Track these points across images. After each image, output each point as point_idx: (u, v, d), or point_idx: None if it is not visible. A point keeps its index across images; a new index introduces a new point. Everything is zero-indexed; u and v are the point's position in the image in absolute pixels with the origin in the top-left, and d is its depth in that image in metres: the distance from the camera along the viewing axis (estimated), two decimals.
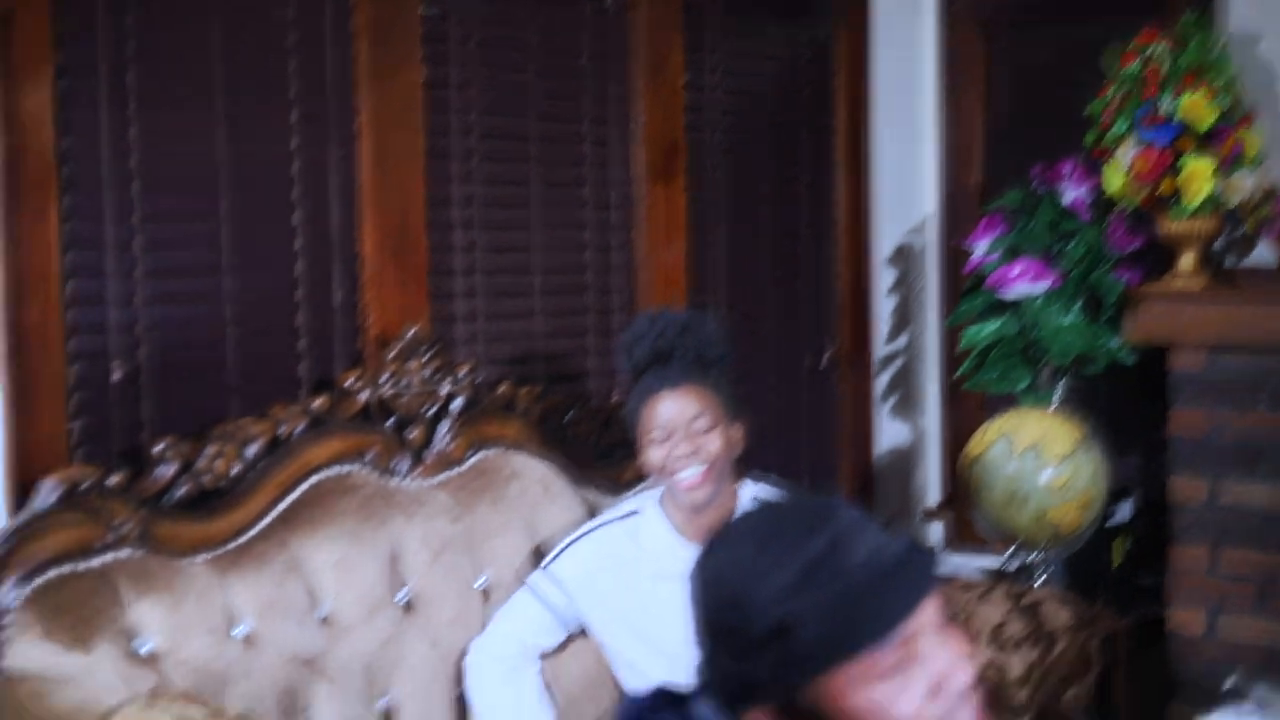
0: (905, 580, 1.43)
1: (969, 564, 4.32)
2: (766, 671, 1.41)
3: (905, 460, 4.69)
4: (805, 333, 4.41)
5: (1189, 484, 3.87)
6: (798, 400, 4.38)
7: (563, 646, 3.05)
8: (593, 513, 3.26)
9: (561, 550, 3.03)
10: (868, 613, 1.40)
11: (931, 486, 4.69)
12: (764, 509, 1.50)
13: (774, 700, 1.44)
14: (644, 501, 3.02)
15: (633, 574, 2.98)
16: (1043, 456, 3.74)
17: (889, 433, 4.66)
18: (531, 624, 2.99)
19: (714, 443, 2.87)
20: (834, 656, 1.40)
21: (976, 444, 3.85)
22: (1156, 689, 3.76)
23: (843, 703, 1.41)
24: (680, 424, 2.87)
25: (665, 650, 2.86)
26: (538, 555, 3.12)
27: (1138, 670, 3.66)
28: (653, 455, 2.89)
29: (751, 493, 3.04)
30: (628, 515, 3.03)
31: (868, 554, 1.42)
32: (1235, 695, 2.25)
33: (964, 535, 4.45)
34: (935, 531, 4.69)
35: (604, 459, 3.43)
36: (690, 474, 2.88)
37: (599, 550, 3.00)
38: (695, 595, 1.48)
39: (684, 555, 2.89)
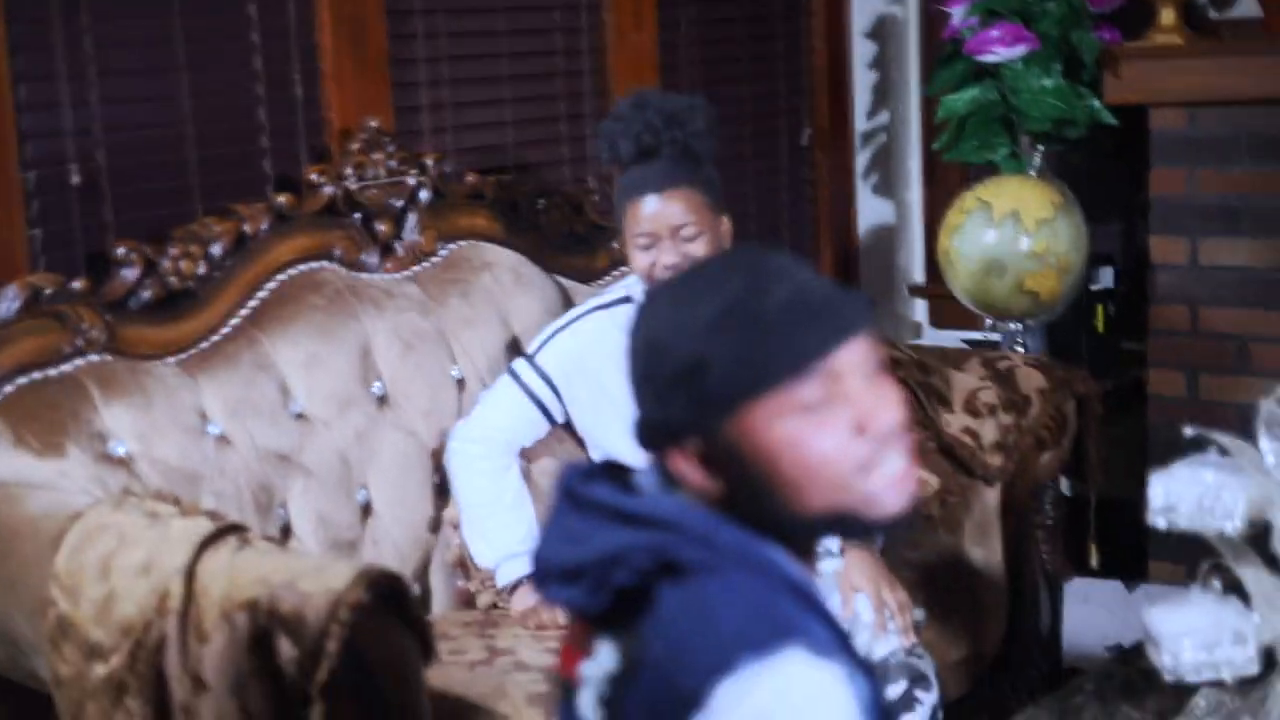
0: (827, 317, 1.40)
1: (952, 339, 4.32)
2: (683, 410, 1.40)
3: (888, 238, 4.66)
4: (782, 111, 4.34)
5: (1168, 244, 3.87)
6: (777, 181, 4.33)
7: (545, 439, 3.02)
8: (568, 301, 3.25)
9: (546, 339, 2.97)
10: (783, 344, 1.38)
11: (915, 264, 4.67)
12: (689, 270, 1.49)
13: (694, 439, 1.42)
14: (635, 288, 2.96)
15: (619, 364, 2.93)
16: (1021, 223, 3.71)
17: (870, 210, 4.62)
18: (514, 414, 2.94)
19: (700, 251, 2.77)
20: (748, 389, 1.39)
21: (954, 214, 3.81)
22: (1136, 454, 3.79)
23: (760, 438, 1.39)
24: (666, 231, 2.77)
25: None
26: (514, 346, 3.12)
27: (1117, 436, 3.68)
28: (639, 260, 2.81)
29: None
30: (617, 302, 2.95)
31: (790, 292, 1.41)
32: (1198, 445, 2.25)
33: (948, 313, 4.44)
34: (920, 310, 4.69)
35: (578, 246, 3.40)
36: (667, 270, 2.84)
37: (584, 339, 2.95)
38: (626, 349, 1.48)
39: None
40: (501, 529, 2.85)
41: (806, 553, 1.49)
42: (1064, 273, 3.74)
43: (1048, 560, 3.33)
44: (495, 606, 2.88)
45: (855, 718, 1.35)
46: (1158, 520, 2.25)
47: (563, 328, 2.97)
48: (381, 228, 3.07)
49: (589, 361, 2.91)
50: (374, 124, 3.09)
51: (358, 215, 3.05)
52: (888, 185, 4.63)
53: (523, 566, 2.80)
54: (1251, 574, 2.23)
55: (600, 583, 1.42)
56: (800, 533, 1.45)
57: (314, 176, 3.01)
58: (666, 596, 1.40)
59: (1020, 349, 3.86)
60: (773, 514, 1.43)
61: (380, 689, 2.16)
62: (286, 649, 2.07)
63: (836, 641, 1.39)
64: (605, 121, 2.89)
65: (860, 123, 4.56)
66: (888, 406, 1.42)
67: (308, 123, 3.13)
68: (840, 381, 1.40)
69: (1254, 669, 2.24)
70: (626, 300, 2.94)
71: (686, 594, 1.39)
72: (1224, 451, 2.26)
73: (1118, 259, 4.22)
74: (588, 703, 1.47)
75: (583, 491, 1.48)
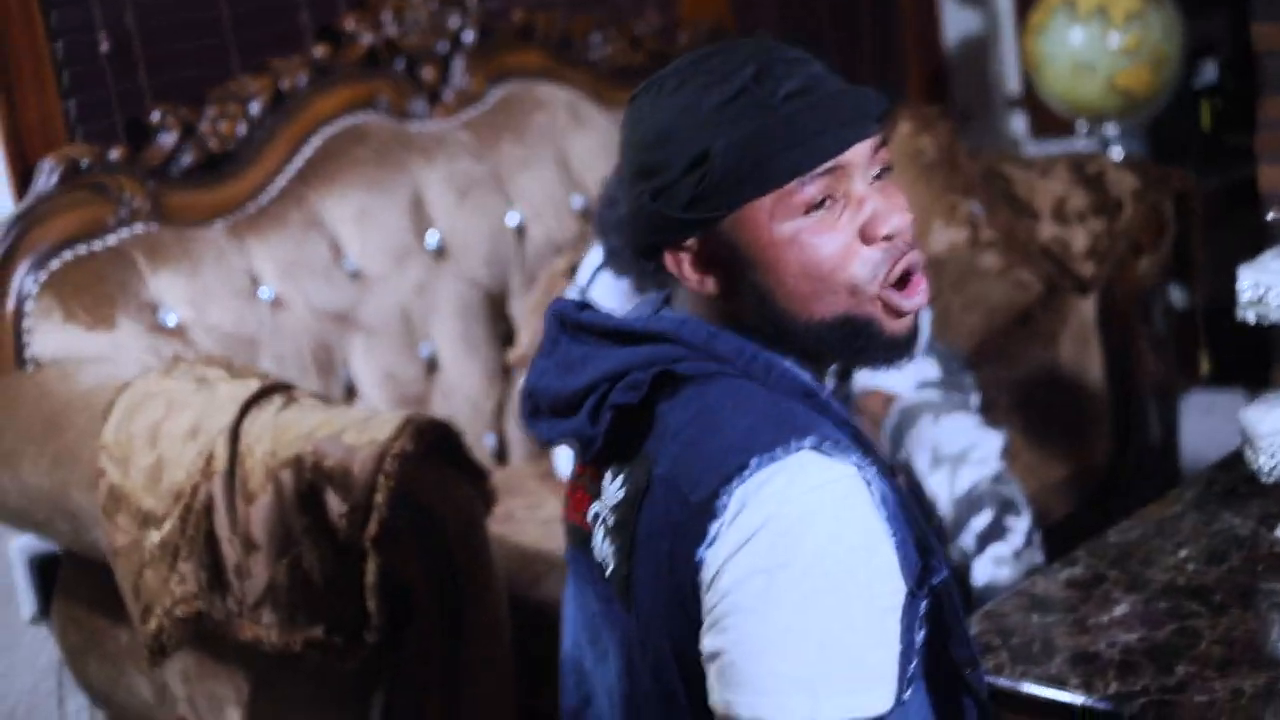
0: (838, 114, 1.32)
1: (1054, 150, 4.12)
2: (684, 205, 1.33)
3: (978, 49, 4.43)
4: None
5: (1271, 30, 3.61)
6: None
7: None
8: None
9: (597, 270, 2.66)
10: (791, 140, 1.30)
11: (1010, 73, 4.45)
12: (687, 56, 1.39)
13: (693, 237, 1.35)
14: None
15: None
16: (1109, 18, 3.49)
17: (957, 21, 4.40)
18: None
19: None
20: (752, 185, 1.31)
21: (1039, 14, 3.61)
22: (1251, 256, 3.58)
23: (762, 236, 1.32)
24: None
25: None
26: (574, 184, 3.00)
27: (1231, 239, 3.48)
28: None
29: None
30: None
31: (801, 85, 1.32)
32: None
33: (1047, 123, 4.23)
34: (1019, 123, 4.48)
35: (637, 79, 3.25)
36: None
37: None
38: (623, 142, 1.39)
39: None
40: None
41: (817, 367, 1.41)
42: (1159, 67, 3.53)
43: (1156, 371, 3.16)
44: None
45: (871, 513, 1.29)
46: (1247, 314, 2.11)
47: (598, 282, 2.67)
48: (427, 74, 2.96)
49: None
50: None
51: (401, 62, 2.94)
52: None
53: None
54: None
55: (599, 406, 1.35)
56: (806, 343, 1.37)
57: (351, 25, 2.89)
58: (669, 411, 1.34)
59: (1118, 152, 3.66)
60: (776, 320, 1.35)
61: (441, 540, 2.11)
62: (335, 504, 2.02)
63: (851, 441, 1.32)
64: None
65: None
66: (894, 211, 1.34)
67: None
68: (847, 182, 1.34)
69: None
70: None
71: (690, 405, 1.33)
72: None
73: (1224, 52, 3.99)
74: (600, 540, 1.39)
75: (578, 318, 1.41)
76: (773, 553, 1.25)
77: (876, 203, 1.34)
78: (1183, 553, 2.07)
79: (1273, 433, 2.12)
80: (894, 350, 1.38)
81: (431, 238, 2.85)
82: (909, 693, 1.32)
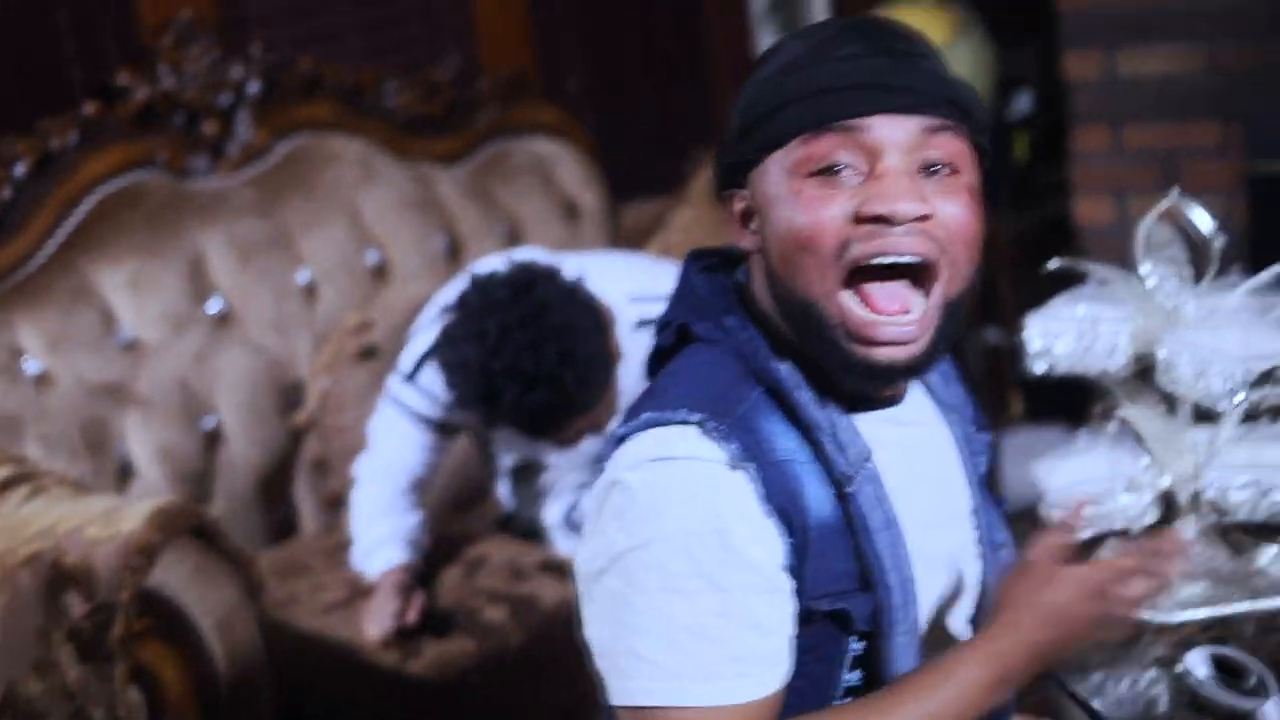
0: (860, 76, 1.25)
1: None
2: (726, 153, 1.33)
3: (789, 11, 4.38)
4: None
5: (1082, 59, 3.63)
6: (663, 34, 4.06)
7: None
8: (427, 189, 3.02)
9: (421, 358, 2.50)
10: (800, 93, 1.26)
11: None
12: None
13: (736, 188, 1.33)
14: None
15: None
16: None
17: None
18: (410, 445, 2.51)
19: None
20: (762, 136, 1.28)
21: None
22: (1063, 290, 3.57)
23: (770, 187, 1.28)
24: None
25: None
26: (365, 239, 2.89)
27: (1038, 274, 3.46)
28: None
29: None
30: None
31: (858, 48, 1.27)
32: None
33: None
34: None
35: (435, 128, 3.15)
36: None
37: None
38: None
39: None
40: (379, 521, 2.50)
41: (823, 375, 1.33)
42: None
43: None
44: None
45: (722, 499, 1.24)
46: (1037, 365, 2.05)
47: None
48: (208, 128, 2.83)
49: None
50: (188, 15, 2.82)
51: (180, 117, 2.80)
52: (792, 24, 4.35)
53: (393, 556, 2.46)
54: (1142, 414, 2.03)
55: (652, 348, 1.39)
56: (788, 319, 1.31)
57: (125, 79, 2.76)
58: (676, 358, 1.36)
59: None
60: (774, 286, 1.30)
61: (198, 637, 1.98)
62: (77, 604, 1.89)
63: (793, 441, 1.28)
64: None
65: None
66: (905, 196, 1.23)
67: (117, 21, 2.87)
68: (876, 156, 1.25)
69: (1152, 517, 2.05)
70: None
71: (677, 362, 1.34)
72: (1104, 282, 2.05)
73: (1036, 83, 3.99)
74: None
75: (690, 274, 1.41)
76: (628, 531, 1.24)
77: (894, 183, 1.24)
78: None
79: (1064, 486, 2.06)
80: (853, 372, 1.29)
81: (213, 303, 2.71)
82: None
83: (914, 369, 1.29)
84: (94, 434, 2.52)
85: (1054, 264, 2.03)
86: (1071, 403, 3.62)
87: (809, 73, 1.27)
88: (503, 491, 2.70)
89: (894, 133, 1.25)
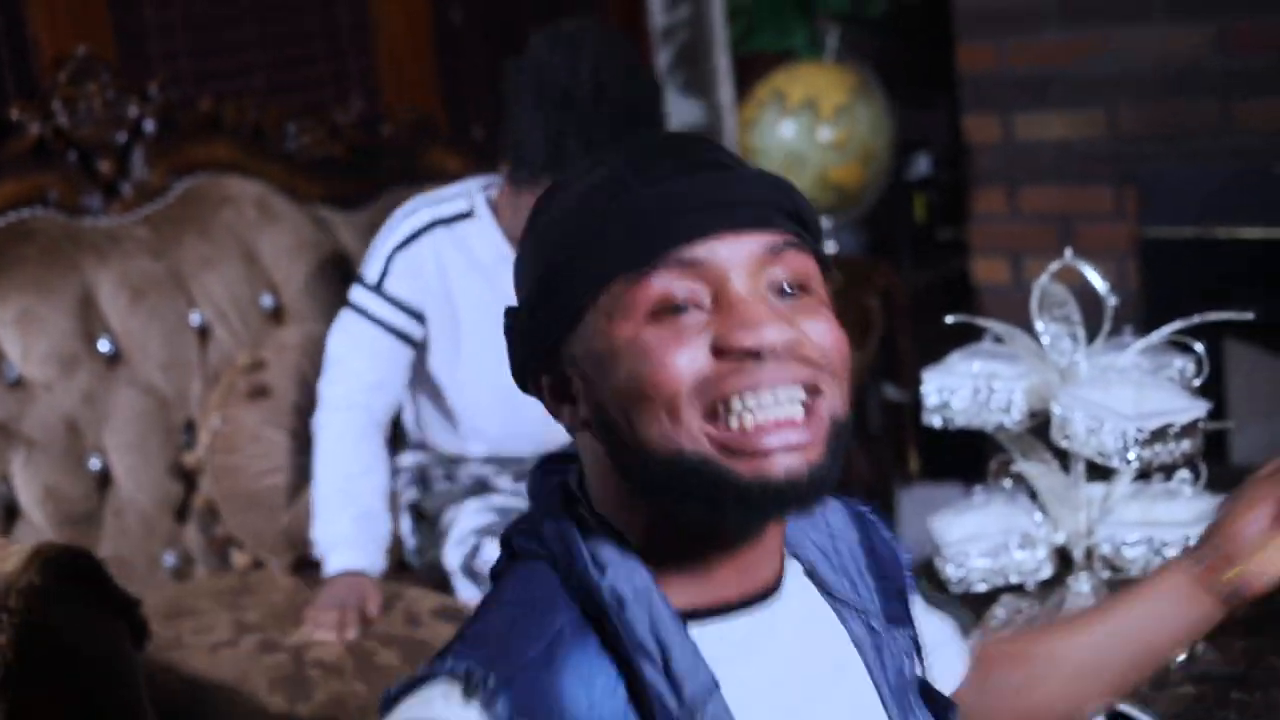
0: (692, 197, 1.07)
1: None
2: (534, 323, 1.13)
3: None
4: (565, 7, 4.07)
5: (981, 123, 3.68)
6: None
7: None
8: (326, 232, 2.99)
9: (386, 260, 2.56)
10: (640, 224, 1.07)
11: None
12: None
13: (546, 362, 1.13)
14: (474, 198, 2.61)
15: (467, 291, 2.59)
16: (818, 111, 3.49)
17: (680, 112, 4.37)
18: (373, 354, 2.55)
19: None
20: (591, 280, 1.08)
21: (750, 108, 3.59)
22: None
23: (598, 341, 1.08)
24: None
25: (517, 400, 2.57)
26: (264, 283, 2.85)
27: (938, 332, 3.49)
28: None
29: None
30: (458, 217, 2.59)
31: (676, 169, 1.09)
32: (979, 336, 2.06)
33: None
34: None
35: (337, 171, 3.12)
36: None
37: (427, 261, 2.57)
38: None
39: None
40: (341, 510, 2.50)
41: (699, 550, 1.12)
42: (868, 161, 3.54)
43: (866, 471, 3.14)
44: (255, 564, 2.65)
45: None
46: (933, 419, 2.07)
47: (400, 246, 2.57)
48: (103, 166, 2.78)
49: (433, 286, 2.58)
50: (85, 49, 2.78)
51: (73, 154, 2.75)
52: (696, 85, 4.38)
53: (350, 560, 2.47)
54: (1037, 470, 2.05)
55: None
56: (645, 487, 1.09)
57: (17, 115, 2.70)
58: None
59: (833, 246, 3.65)
60: (620, 455, 1.09)
61: (78, 681, 1.92)
62: None
63: (581, 701, 1.05)
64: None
65: (659, 18, 4.30)
66: (769, 322, 1.05)
67: (12, 53, 2.82)
68: (721, 285, 1.06)
69: (1046, 572, 2.07)
70: (467, 215, 2.59)
71: (499, 583, 1.16)
72: (1000, 340, 2.07)
73: (938, 145, 4.04)
74: None
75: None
76: None
77: (752, 311, 1.06)
78: None
79: (960, 541, 2.07)
80: (749, 503, 1.06)
81: (104, 342, 2.66)
82: None
83: (816, 485, 1.06)
84: None
85: (951, 320, 2.05)
86: (968, 459, 3.67)
87: (620, 201, 1.08)
88: (404, 530, 2.67)
89: (736, 254, 1.07)
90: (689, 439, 1.05)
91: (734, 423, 1.05)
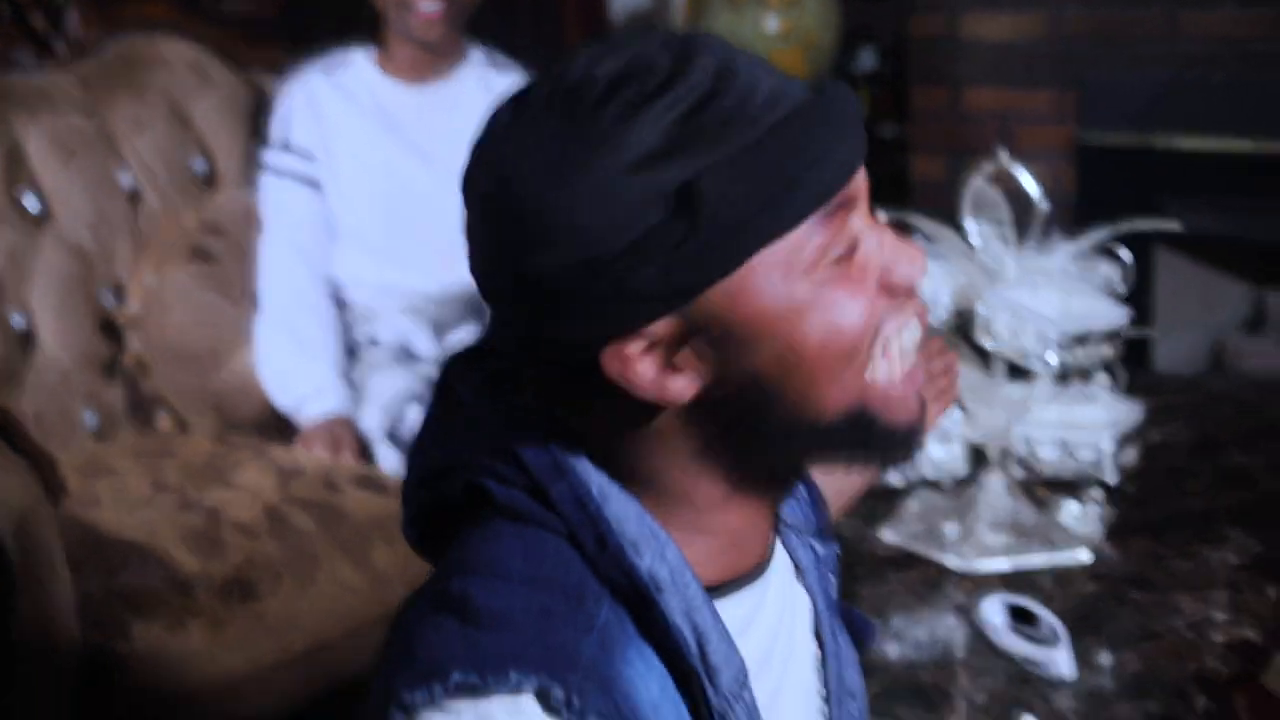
0: (835, 122, 0.94)
1: None
2: (654, 277, 0.90)
3: (645, 26, 4.40)
4: None
5: (927, 19, 3.70)
6: None
7: None
8: (262, 100, 2.97)
9: (288, 117, 2.79)
10: (795, 165, 0.91)
11: None
12: (593, 54, 0.93)
13: (662, 318, 0.92)
14: (346, 54, 2.85)
15: (355, 125, 2.81)
16: (765, 2, 3.48)
17: None
18: (304, 209, 2.77)
19: None
20: (757, 233, 0.91)
21: None
22: None
23: (768, 304, 0.93)
24: None
25: (400, 215, 2.77)
26: (200, 150, 2.84)
27: None
28: None
29: (480, 72, 2.85)
30: (330, 67, 2.83)
31: (773, 85, 0.93)
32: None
33: None
34: None
35: (275, 36, 3.10)
36: (429, 6, 2.72)
37: (319, 103, 2.80)
38: (491, 204, 0.94)
39: (400, 97, 2.81)
40: (305, 362, 2.68)
41: (751, 514, 1.02)
42: (810, 51, 3.54)
43: None
44: (179, 426, 2.68)
45: None
46: None
47: (291, 97, 2.81)
48: (36, 21, 2.76)
49: (318, 126, 2.79)
50: None
51: (6, 8, 2.73)
52: None
53: (325, 406, 2.64)
54: (961, 369, 2.07)
55: (423, 501, 1.03)
56: (805, 453, 1.01)
57: None
58: (462, 542, 0.99)
59: None
60: (770, 428, 0.97)
61: None
62: None
63: (646, 700, 0.94)
64: None
65: None
66: (915, 252, 0.98)
67: None
68: (851, 222, 0.95)
69: (961, 469, 2.11)
70: (338, 65, 2.82)
71: (476, 546, 0.97)
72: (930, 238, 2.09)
73: (885, 39, 4.05)
74: None
75: (456, 380, 1.03)
76: None
77: (890, 239, 0.97)
78: None
79: None
80: (907, 445, 1.01)
81: (31, 199, 2.64)
82: None
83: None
84: None
85: (881, 217, 2.06)
86: None
87: (780, 139, 0.91)
88: None
89: (860, 181, 0.97)
90: (862, 393, 0.97)
91: (894, 366, 0.98)
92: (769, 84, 0.92)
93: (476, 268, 0.97)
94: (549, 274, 0.91)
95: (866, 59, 3.98)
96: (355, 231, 2.77)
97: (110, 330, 2.70)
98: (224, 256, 2.75)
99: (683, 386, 0.94)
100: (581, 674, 0.90)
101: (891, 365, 0.98)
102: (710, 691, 0.96)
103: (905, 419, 0.99)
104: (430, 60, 2.79)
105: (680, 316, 0.92)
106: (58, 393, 2.60)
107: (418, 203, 2.73)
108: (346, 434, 2.62)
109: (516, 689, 0.89)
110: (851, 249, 0.95)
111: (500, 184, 0.92)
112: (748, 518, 1.01)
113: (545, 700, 0.89)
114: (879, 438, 0.98)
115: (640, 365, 0.93)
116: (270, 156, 2.78)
